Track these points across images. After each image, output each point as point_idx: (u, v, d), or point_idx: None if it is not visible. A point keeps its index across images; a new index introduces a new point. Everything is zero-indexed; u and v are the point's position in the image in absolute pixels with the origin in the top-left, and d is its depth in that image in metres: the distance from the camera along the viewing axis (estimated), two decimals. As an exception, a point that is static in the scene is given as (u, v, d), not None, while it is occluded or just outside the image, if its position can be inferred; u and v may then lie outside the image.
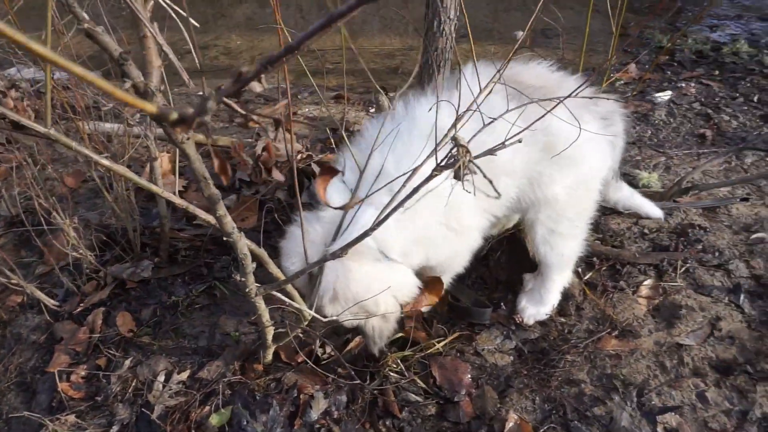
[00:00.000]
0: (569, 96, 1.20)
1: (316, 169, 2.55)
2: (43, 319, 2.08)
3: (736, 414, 1.69)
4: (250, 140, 2.90)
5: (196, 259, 2.26)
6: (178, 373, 1.89)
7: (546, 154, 1.66)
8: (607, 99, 1.78)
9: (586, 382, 1.81)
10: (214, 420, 1.77)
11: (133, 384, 1.87)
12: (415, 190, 0.94)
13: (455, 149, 0.76)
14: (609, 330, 1.95)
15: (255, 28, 5.00)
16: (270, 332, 1.67)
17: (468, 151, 0.74)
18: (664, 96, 3.68)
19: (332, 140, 2.61)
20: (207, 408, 1.79)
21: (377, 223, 0.96)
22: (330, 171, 0.95)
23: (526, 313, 2.01)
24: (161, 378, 1.87)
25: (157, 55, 0.81)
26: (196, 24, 1.72)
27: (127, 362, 1.93)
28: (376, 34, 4.86)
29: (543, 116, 1.22)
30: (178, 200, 1.18)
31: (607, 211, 2.44)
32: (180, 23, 1.74)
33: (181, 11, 1.38)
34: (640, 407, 1.73)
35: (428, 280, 1.85)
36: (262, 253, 1.41)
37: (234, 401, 1.80)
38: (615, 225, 2.39)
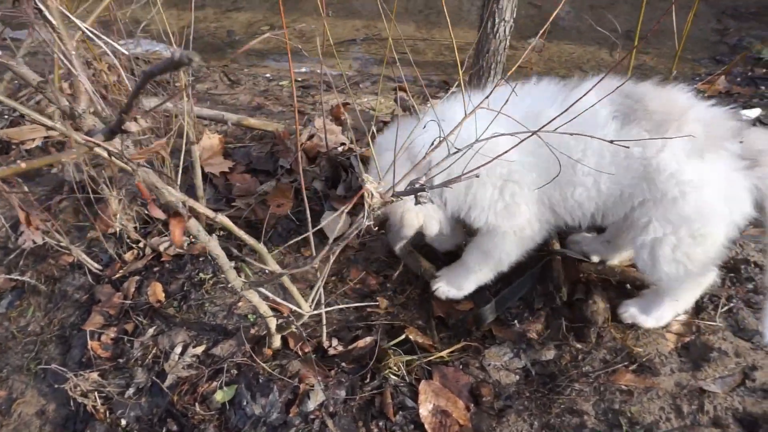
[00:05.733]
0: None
1: (355, 162, 2.58)
2: (87, 280, 2.27)
3: (751, 475, 1.56)
4: (301, 127, 2.97)
5: (229, 240, 2.36)
6: (194, 347, 2.00)
7: (643, 184, 1.59)
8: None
9: (590, 415, 1.72)
10: (219, 396, 1.86)
11: (153, 351, 2.01)
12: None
13: (367, 185, 0.75)
14: (626, 363, 1.84)
15: (330, 14, 5.07)
16: (272, 322, 1.72)
17: (373, 195, 0.73)
18: (752, 114, 3.36)
19: (375, 134, 2.62)
20: (214, 384, 1.89)
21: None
22: (181, 215, 0.97)
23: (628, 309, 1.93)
24: (178, 350, 1.99)
25: (85, 80, 0.84)
26: None
27: (151, 330, 2.07)
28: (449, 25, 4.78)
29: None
30: (177, 195, 1.24)
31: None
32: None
33: None
34: (643, 450, 1.63)
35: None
36: (261, 248, 1.46)
37: (239, 381, 1.88)
38: (658, 251, 2.23)
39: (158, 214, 0.93)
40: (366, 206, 0.76)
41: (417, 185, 0.89)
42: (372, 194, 0.75)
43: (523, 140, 0.97)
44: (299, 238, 1.14)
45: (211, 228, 2.39)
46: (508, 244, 1.86)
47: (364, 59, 4.33)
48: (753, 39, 4.13)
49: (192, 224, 1.01)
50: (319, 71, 3.84)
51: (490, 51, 2.47)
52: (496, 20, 2.39)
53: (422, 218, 1.90)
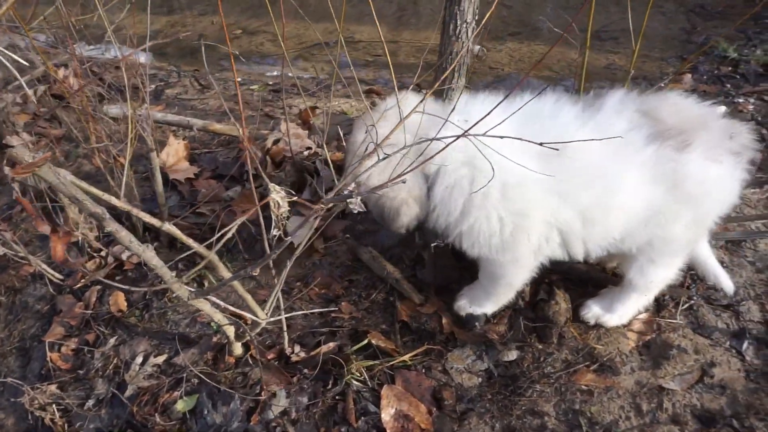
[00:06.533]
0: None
1: (320, 167, 2.57)
2: (48, 290, 2.23)
3: (707, 471, 1.57)
4: (267, 132, 2.95)
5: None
6: (155, 357, 1.97)
7: (671, 193, 1.62)
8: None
9: (551, 416, 1.73)
10: (180, 406, 1.84)
11: (114, 362, 1.98)
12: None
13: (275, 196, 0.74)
14: (587, 363, 1.85)
15: (305, 17, 5.05)
16: (230, 329, 1.70)
17: (280, 205, 0.73)
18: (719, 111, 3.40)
19: (343, 139, 2.61)
20: (175, 393, 1.87)
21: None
22: (57, 231, 0.95)
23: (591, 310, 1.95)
24: (139, 360, 1.97)
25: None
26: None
27: (112, 340, 2.04)
28: (422, 27, 4.78)
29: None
30: (120, 203, 1.23)
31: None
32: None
33: None
34: (602, 450, 1.63)
35: None
36: (213, 257, 1.45)
37: (200, 390, 1.86)
38: (622, 250, 2.25)
39: (44, 229, 0.91)
40: (273, 216, 0.76)
41: (346, 191, 0.88)
42: (278, 204, 0.74)
43: (451, 142, 0.97)
44: (233, 224, 1.12)
45: (174, 238, 2.37)
46: (512, 269, 1.81)
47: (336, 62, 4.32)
48: (719, 37, 4.18)
49: (123, 235, 0.99)
50: (290, 74, 3.82)
51: (453, 53, 2.47)
52: (458, 22, 2.38)
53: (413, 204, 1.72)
